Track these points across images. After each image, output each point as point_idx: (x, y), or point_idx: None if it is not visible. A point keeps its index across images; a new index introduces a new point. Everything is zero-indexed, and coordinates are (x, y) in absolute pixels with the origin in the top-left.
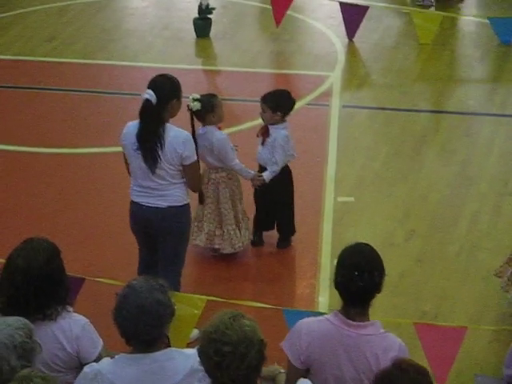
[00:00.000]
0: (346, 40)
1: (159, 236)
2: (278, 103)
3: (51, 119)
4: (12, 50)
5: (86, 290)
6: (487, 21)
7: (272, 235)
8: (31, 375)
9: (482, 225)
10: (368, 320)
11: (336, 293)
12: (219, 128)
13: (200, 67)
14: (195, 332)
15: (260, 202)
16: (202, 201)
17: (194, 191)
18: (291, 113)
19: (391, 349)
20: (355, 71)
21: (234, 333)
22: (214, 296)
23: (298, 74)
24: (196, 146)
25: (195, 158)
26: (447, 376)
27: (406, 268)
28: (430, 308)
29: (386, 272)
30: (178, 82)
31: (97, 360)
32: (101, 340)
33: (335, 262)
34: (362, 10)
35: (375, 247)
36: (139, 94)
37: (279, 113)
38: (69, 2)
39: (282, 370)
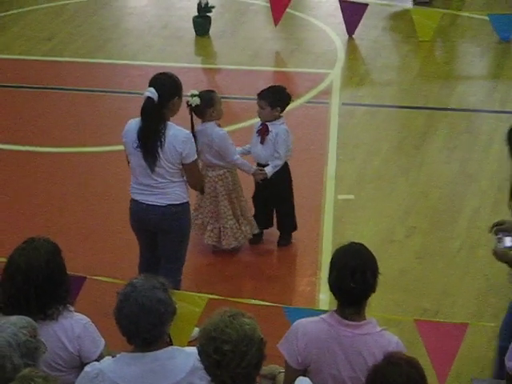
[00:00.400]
0: (346, 37)
1: (159, 234)
2: (276, 99)
3: (50, 118)
4: (11, 49)
5: (87, 289)
6: (487, 17)
7: (272, 233)
8: (32, 375)
9: (482, 221)
10: (364, 319)
11: None
12: (218, 125)
13: (199, 65)
14: (196, 330)
15: (259, 200)
16: (202, 191)
17: (194, 189)
18: (290, 109)
19: (388, 347)
20: (355, 69)
21: (234, 331)
22: (215, 294)
23: (298, 72)
24: (196, 142)
25: (195, 156)
26: (448, 373)
27: (407, 265)
28: (431, 305)
29: (387, 268)
30: (179, 80)
31: (98, 359)
32: (102, 339)
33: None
34: (361, 8)
35: (376, 244)
36: (139, 93)
37: (278, 108)
38: (67, 1)
39: (282, 370)
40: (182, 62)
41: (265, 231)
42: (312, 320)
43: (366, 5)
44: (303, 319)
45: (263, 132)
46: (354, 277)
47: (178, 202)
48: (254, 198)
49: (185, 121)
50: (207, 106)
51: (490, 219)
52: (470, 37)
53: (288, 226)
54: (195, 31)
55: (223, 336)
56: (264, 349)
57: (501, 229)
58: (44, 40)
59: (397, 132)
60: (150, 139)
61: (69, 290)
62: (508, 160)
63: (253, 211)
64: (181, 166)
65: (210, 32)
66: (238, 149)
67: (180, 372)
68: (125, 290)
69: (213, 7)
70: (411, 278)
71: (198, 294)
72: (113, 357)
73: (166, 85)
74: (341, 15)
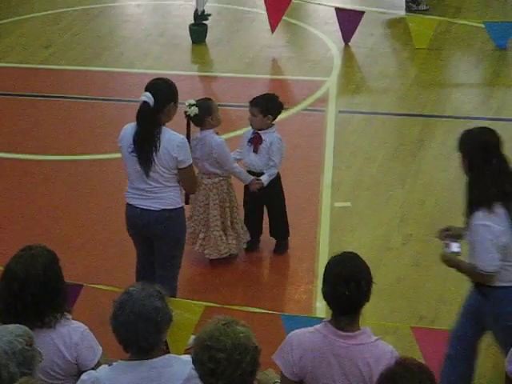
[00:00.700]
0: (342, 45)
1: (154, 240)
2: (269, 106)
3: (47, 126)
4: (8, 57)
5: (84, 297)
6: (482, 25)
7: (269, 241)
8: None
9: None
10: (358, 328)
11: None
12: (217, 133)
13: (196, 73)
14: (193, 338)
15: (250, 207)
16: (187, 201)
17: (190, 193)
18: (286, 117)
19: (383, 357)
20: (351, 76)
21: (228, 339)
22: (211, 302)
23: (294, 80)
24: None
25: (190, 161)
26: None
27: (404, 272)
28: (428, 312)
29: (384, 276)
30: (175, 85)
31: (96, 367)
32: (100, 347)
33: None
34: (357, 16)
35: (372, 251)
36: (136, 101)
37: (270, 116)
38: (65, 9)
39: (278, 380)
40: (179, 69)
41: (261, 239)
42: (306, 331)
43: (362, 12)
44: (297, 330)
45: (256, 141)
46: (349, 285)
47: (172, 207)
48: (245, 204)
49: (182, 128)
50: (206, 115)
51: None
52: (466, 44)
53: (281, 230)
54: (192, 39)
55: (217, 344)
56: (259, 357)
57: (448, 235)
58: (41, 48)
59: (393, 139)
60: (145, 143)
61: (66, 297)
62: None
63: (243, 217)
64: (175, 171)
65: (207, 40)
66: None
67: (176, 380)
68: (121, 298)
69: (209, 15)
70: (408, 285)
71: (195, 302)
72: (109, 365)
73: (162, 90)
74: (337, 23)
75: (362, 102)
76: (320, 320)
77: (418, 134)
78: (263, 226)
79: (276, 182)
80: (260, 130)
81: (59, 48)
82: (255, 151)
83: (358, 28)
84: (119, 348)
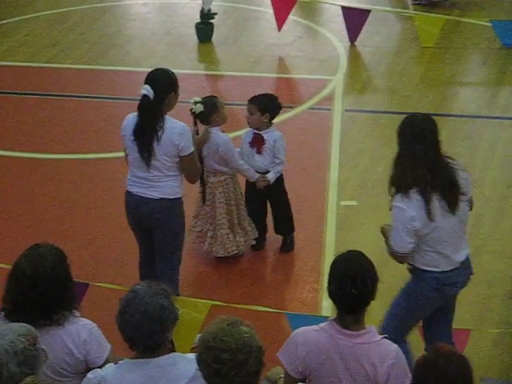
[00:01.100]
0: (348, 44)
1: (153, 229)
2: (267, 105)
3: (53, 125)
4: (14, 56)
5: (90, 296)
6: (489, 24)
7: (274, 240)
8: (35, 383)
9: (485, 228)
10: (363, 328)
11: None
12: (223, 131)
13: (202, 72)
14: (199, 337)
15: (253, 204)
16: (203, 201)
17: (190, 183)
18: (292, 116)
19: (387, 356)
20: (357, 75)
21: (233, 340)
22: (217, 300)
23: (300, 78)
24: (200, 152)
25: (192, 149)
26: None
27: None
28: None
29: (390, 275)
30: (175, 75)
31: (104, 364)
32: (109, 344)
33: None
34: (363, 14)
35: (378, 250)
36: None
37: (268, 114)
38: (71, 8)
39: (283, 375)
40: (185, 68)
41: (267, 238)
42: (311, 329)
43: (369, 11)
44: (302, 328)
45: (258, 142)
46: (355, 283)
47: (171, 197)
48: (247, 201)
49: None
50: (211, 112)
51: (493, 225)
52: (473, 43)
53: (286, 226)
54: (198, 38)
55: (222, 345)
56: (263, 357)
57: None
58: (47, 47)
59: None
60: (146, 135)
61: (74, 295)
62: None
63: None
64: (177, 159)
65: (213, 38)
66: None
67: (182, 378)
68: (127, 297)
69: (215, 14)
70: None
71: (201, 301)
72: (115, 363)
73: (161, 81)
74: (343, 21)
75: (368, 101)
76: (325, 319)
77: None
78: (267, 224)
79: (278, 177)
80: (257, 130)
81: (65, 47)
82: (259, 152)
83: (365, 27)
84: (126, 346)
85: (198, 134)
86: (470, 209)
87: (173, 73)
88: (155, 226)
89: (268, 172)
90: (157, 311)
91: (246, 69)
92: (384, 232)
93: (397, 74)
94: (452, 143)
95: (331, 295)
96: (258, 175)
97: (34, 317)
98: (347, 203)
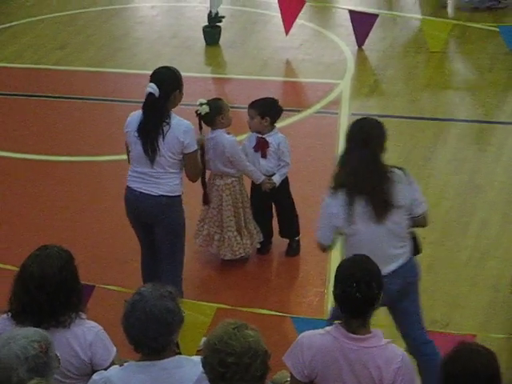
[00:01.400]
0: (356, 48)
1: (153, 226)
2: (266, 109)
3: (61, 127)
4: (22, 58)
5: (96, 298)
6: (497, 29)
7: (280, 244)
8: None
9: (491, 233)
10: (369, 331)
11: None
12: (228, 133)
13: (209, 75)
14: (204, 340)
15: (258, 206)
16: (206, 202)
17: (191, 181)
18: (299, 120)
19: (393, 360)
20: (364, 79)
21: (238, 343)
22: (222, 304)
23: (308, 82)
24: (203, 153)
25: (195, 147)
26: None
27: None
28: (441, 316)
29: None
30: (180, 73)
31: (110, 367)
32: (114, 347)
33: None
34: (371, 18)
35: None
36: None
37: (268, 118)
38: (79, 11)
39: (289, 379)
40: (192, 71)
41: (273, 241)
42: (317, 332)
43: (376, 15)
44: (308, 332)
45: (263, 146)
46: (360, 287)
47: (171, 194)
48: (252, 204)
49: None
50: (216, 114)
51: (500, 230)
52: (480, 48)
53: (291, 228)
54: (205, 41)
55: (227, 348)
56: (268, 361)
57: None
58: (55, 49)
59: (406, 143)
60: (151, 132)
61: (81, 297)
62: None
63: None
64: (180, 156)
65: (220, 42)
66: None
67: (187, 381)
68: (133, 299)
69: (223, 17)
70: (420, 288)
71: (207, 304)
72: (120, 365)
73: (167, 79)
74: (351, 26)
75: (375, 105)
76: (330, 322)
77: (430, 137)
78: (273, 228)
79: (283, 180)
80: (260, 134)
81: (73, 49)
82: (263, 156)
83: (372, 31)
84: (130, 348)
85: (203, 136)
86: (423, 225)
87: (178, 71)
88: (154, 223)
89: (274, 175)
90: (162, 314)
91: (253, 72)
92: None
93: (404, 78)
94: (458, 148)
95: (336, 299)
96: (263, 177)
97: (41, 318)
98: None
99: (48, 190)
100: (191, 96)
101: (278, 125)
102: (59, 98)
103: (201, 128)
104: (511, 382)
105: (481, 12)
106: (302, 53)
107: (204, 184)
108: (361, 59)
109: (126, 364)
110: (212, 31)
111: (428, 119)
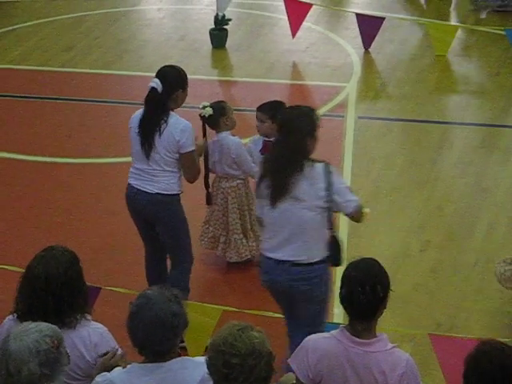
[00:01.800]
0: (362, 51)
1: (154, 224)
2: (276, 112)
3: (67, 129)
4: (29, 60)
5: (101, 300)
6: (503, 32)
7: None
8: None
9: (497, 236)
10: (374, 336)
11: None
12: (233, 135)
13: (216, 78)
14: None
15: None
16: (209, 202)
17: (189, 182)
18: None
19: (398, 365)
20: (371, 82)
21: (243, 345)
22: (228, 306)
23: (314, 85)
24: (207, 155)
25: (192, 148)
26: None
27: (421, 279)
28: (445, 319)
29: (401, 283)
30: (185, 72)
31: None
32: (120, 348)
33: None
34: (378, 22)
35: (390, 258)
36: None
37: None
38: (85, 13)
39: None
40: (199, 74)
41: None
42: (322, 336)
43: (383, 18)
44: (313, 335)
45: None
46: (364, 289)
47: (167, 193)
48: None
49: (198, 131)
50: (220, 115)
51: (506, 234)
52: (487, 51)
53: None
54: (212, 43)
55: (232, 349)
56: (273, 363)
57: None
58: (62, 51)
59: (412, 146)
60: (149, 127)
61: (87, 298)
62: None
63: None
64: (177, 156)
65: (227, 44)
66: None
67: (191, 382)
68: (138, 302)
69: (229, 20)
70: (426, 292)
71: (212, 306)
72: (123, 367)
73: (171, 77)
74: (357, 29)
75: (382, 108)
76: (337, 326)
77: (437, 140)
78: None
79: None
80: (266, 137)
81: (80, 51)
82: None
83: (379, 34)
84: (134, 350)
85: (206, 139)
86: (356, 221)
87: (183, 70)
88: (154, 221)
89: None
90: (168, 318)
91: (260, 75)
92: None
93: (410, 81)
94: (465, 151)
95: (342, 301)
96: None
97: (46, 319)
98: None
99: (53, 191)
100: (197, 98)
101: None
102: (65, 100)
103: (205, 131)
104: None
105: (489, 15)
106: (309, 56)
107: (207, 184)
108: (367, 62)
109: (128, 366)
110: (219, 34)
111: (434, 122)
